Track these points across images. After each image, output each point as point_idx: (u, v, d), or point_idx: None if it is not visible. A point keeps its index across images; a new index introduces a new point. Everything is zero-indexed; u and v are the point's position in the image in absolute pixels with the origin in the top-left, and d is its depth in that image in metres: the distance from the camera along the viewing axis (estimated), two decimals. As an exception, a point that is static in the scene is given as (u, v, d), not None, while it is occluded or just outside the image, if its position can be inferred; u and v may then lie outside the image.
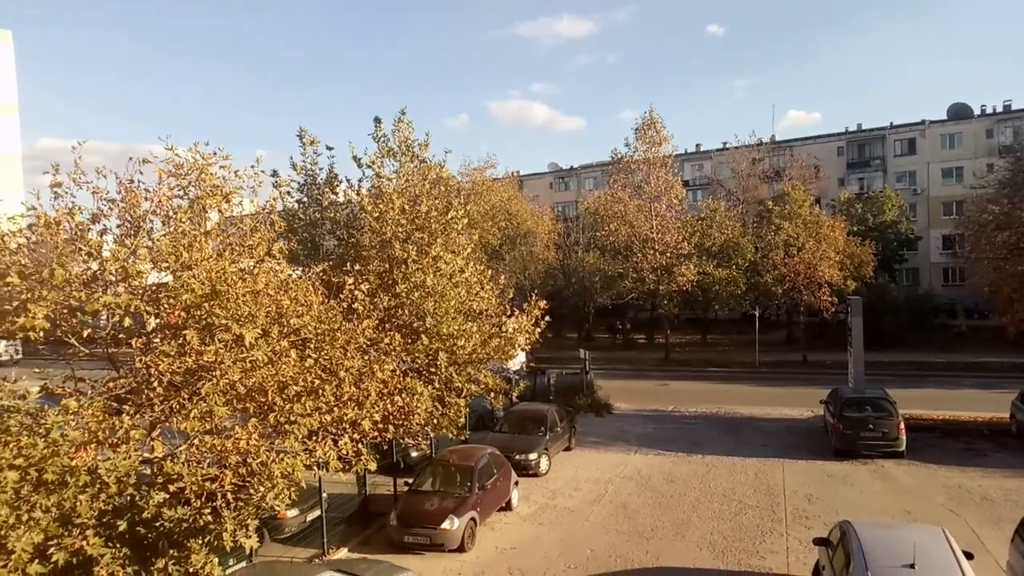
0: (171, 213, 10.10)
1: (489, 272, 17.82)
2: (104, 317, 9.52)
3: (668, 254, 42.62)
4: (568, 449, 21.87)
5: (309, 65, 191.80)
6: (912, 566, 9.01)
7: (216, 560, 7.67)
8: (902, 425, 20.03)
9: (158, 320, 9.34)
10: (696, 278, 42.32)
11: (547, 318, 16.73)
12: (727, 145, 62.10)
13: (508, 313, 16.71)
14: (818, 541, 11.52)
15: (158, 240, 9.82)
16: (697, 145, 71.42)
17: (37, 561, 6.44)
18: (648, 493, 17.62)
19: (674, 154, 46.03)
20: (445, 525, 13.71)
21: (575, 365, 30.69)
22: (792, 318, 48.43)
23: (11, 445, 6.71)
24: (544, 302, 16.86)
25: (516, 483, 16.90)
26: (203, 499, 7.65)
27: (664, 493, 17.56)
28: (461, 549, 13.88)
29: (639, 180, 44.40)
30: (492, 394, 16.63)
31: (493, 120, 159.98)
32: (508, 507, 16.41)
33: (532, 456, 19.10)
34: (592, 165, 74.42)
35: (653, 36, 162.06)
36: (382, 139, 17.51)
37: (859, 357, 24.13)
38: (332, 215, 18.18)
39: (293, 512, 13.91)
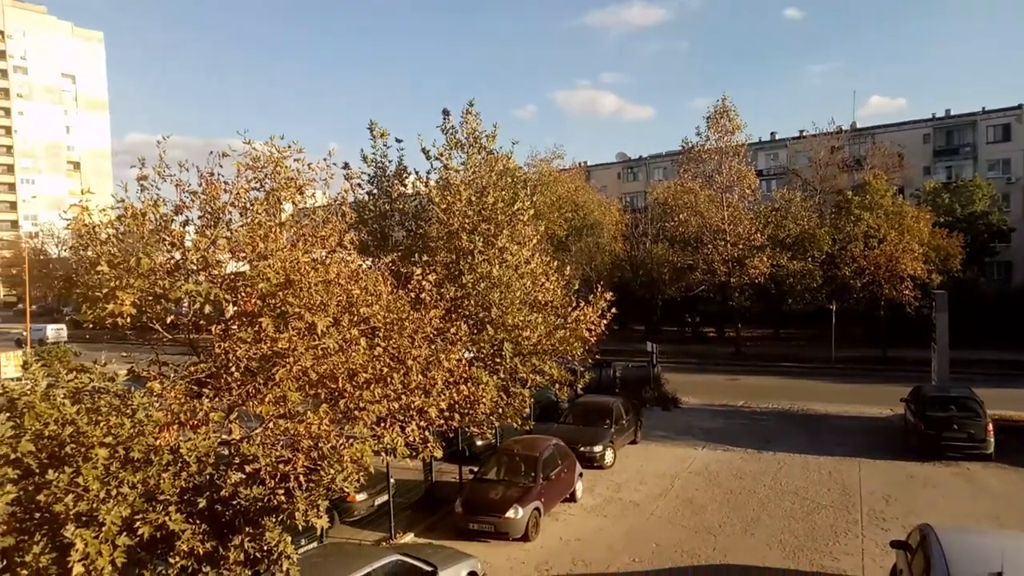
0: (248, 205, 10.48)
1: (555, 263, 17.74)
2: (186, 304, 9.98)
3: (740, 246, 41.54)
4: (634, 442, 21.67)
5: (378, 57, 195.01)
6: (999, 575, 8.52)
7: (289, 539, 7.93)
8: (990, 426, 18.98)
9: (236, 308, 9.72)
10: (769, 270, 41.05)
11: (613, 310, 16.53)
12: (804, 133, 59.95)
13: (573, 304, 16.62)
14: (896, 544, 11.05)
15: (236, 231, 10.21)
16: (772, 133, 69.22)
17: (125, 534, 6.81)
18: (716, 489, 17.29)
19: (747, 143, 44.74)
20: (509, 514, 13.82)
21: (642, 358, 30.35)
22: (871, 313, 46.40)
23: (101, 424, 7.11)
24: (610, 293, 16.65)
25: (581, 475, 16.87)
26: (277, 480, 7.91)
27: (733, 489, 17.20)
28: (525, 538, 13.97)
29: (711, 170, 43.40)
30: (557, 385, 16.60)
31: (561, 110, 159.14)
32: (572, 498, 16.41)
33: (597, 448, 19.02)
34: (662, 155, 73.19)
35: (727, 21, 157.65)
36: (450, 131, 17.66)
37: (944, 354, 22.97)
38: (401, 207, 18.46)
39: (362, 496, 14.30)
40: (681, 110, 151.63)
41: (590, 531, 14.82)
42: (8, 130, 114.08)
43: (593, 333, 16.17)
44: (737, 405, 28.00)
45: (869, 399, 27.52)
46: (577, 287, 18.34)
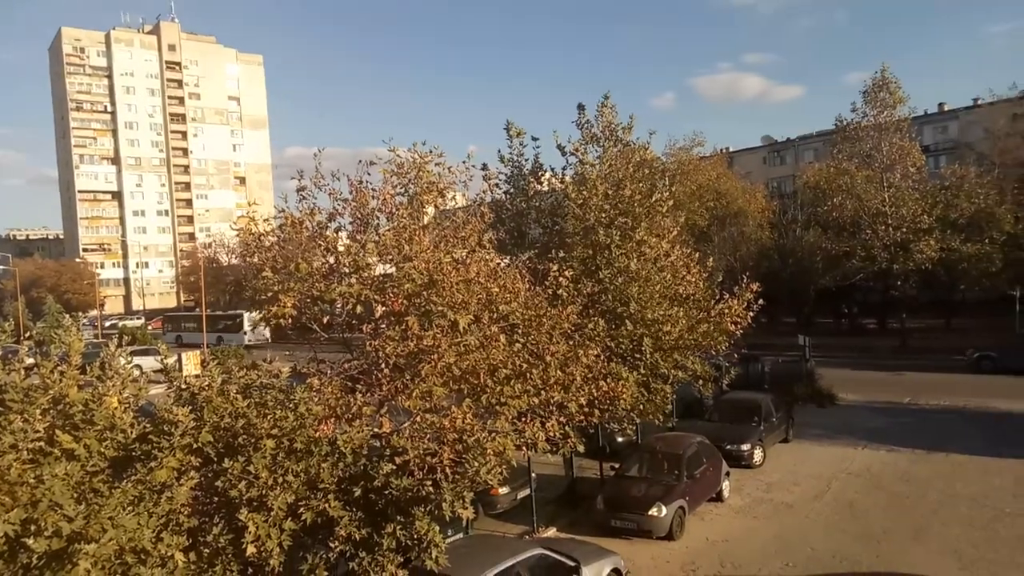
0: (394, 209, 11.02)
1: (696, 255, 17.23)
2: (339, 305, 10.67)
3: (904, 229, 38.18)
4: (785, 441, 20.60)
5: (512, 56, 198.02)
6: None
7: (437, 528, 8.26)
8: None
9: (384, 308, 10.27)
10: (938, 255, 37.46)
11: (760, 302, 15.84)
12: (978, 102, 54.18)
13: (717, 297, 16.07)
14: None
15: (383, 235, 10.78)
16: (940, 105, 63.30)
17: (290, 519, 7.40)
18: (879, 492, 16.07)
19: (911, 117, 40.86)
20: (653, 511, 13.58)
21: (793, 352, 28.77)
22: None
23: (268, 417, 7.76)
24: (757, 285, 15.97)
25: (728, 474, 16.28)
26: (425, 471, 8.27)
27: (898, 493, 15.90)
28: (670, 537, 13.68)
29: (868, 148, 40.08)
30: (701, 381, 16.13)
31: (700, 96, 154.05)
32: (719, 498, 15.86)
33: (745, 446, 18.26)
34: (812, 135, 69.16)
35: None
36: (585, 125, 17.56)
37: None
38: (537, 204, 18.60)
39: (505, 489, 14.57)
40: (834, 87, 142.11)
41: (739, 532, 14.26)
42: (185, 151, 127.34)
43: (739, 327, 15.58)
44: (902, 402, 25.83)
45: (1064, 397, 24.43)
46: (721, 279, 17.74)
